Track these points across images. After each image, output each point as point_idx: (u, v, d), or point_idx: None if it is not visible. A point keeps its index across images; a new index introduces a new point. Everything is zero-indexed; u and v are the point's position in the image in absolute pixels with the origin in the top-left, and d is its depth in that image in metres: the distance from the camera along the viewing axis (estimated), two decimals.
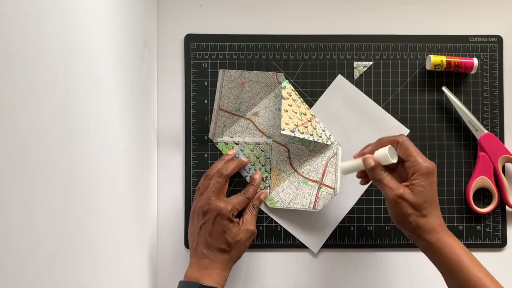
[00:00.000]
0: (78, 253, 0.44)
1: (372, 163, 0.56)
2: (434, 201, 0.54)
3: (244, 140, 0.68)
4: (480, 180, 0.67)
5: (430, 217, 0.53)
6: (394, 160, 0.56)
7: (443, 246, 0.52)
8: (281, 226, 0.68)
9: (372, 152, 0.57)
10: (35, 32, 0.37)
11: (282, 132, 0.63)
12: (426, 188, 0.53)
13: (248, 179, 0.67)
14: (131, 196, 0.58)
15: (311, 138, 0.65)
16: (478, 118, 0.68)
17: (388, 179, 0.55)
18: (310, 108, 0.68)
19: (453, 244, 0.52)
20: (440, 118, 0.68)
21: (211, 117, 0.68)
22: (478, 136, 0.67)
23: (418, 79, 0.69)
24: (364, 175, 0.60)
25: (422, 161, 0.54)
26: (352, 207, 0.68)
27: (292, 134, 0.64)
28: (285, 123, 0.64)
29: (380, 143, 0.58)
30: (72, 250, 0.43)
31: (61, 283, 0.41)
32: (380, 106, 0.68)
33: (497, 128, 0.68)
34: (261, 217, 0.68)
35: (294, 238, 0.68)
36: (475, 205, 0.67)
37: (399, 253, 0.68)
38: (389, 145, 0.56)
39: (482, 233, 0.68)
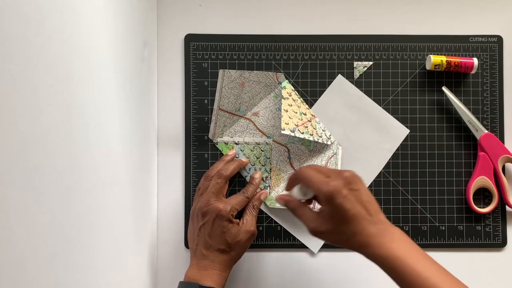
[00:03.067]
0: (78, 253, 0.44)
1: (282, 202, 0.57)
2: (353, 218, 0.49)
3: (244, 140, 0.68)
4: (480, 180, 0.67)
5: (356, 234, 0.50)
6: (310, 196, 0.55)
7: (380, 258, 0.49)
8: (281, 226, 0.68)
9: (289, 191, 0.57)
10: (35, 32, 0.37)
11: (282, 132, 0.63)
12: (334, 212, 0.49)
13: (248, 179, 0.67)
14: (131, 196, 0.58)
15: (311, 138, 0.65)
16: (478, 118, 0.68)
17: (302, 214, 0.54)
18: (310, 108, 0.68)
19: (394, 253, 0.48)
20: (440, 118, 0.68)
21: (211, 117, 0.68)
22: (478, 136, 0.67)
23: (418, 79, 0.69)
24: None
25: (321, 187, 0.50)
26: None
27: (292, 134, 0.64)
28: (285, 123, 0.64)
29: (290, 182, 0.56)
30: (72, 250, 0.43)
31: (61, 283, 0.41)
32: (380, 106, 0.68)
33: (497, 128, 0.68)
34: (261, 217, 0.68)
35: (294, 238, 0.68)
36: (475, 205, 0.67)
37: None
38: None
39: (482, 233, 0.68)
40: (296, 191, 0.56)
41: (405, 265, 0.47)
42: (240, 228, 0.60)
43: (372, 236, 0.49)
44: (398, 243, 0.49)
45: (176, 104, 0.69)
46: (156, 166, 0.68)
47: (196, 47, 0.68)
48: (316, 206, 0.63)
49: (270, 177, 0.68)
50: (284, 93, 0.67)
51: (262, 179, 0.67)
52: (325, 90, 0.68)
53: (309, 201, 0.57)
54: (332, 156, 0.67)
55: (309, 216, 0.53)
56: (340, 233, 0.50)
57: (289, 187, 0.57)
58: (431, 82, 0.69)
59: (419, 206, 0.68)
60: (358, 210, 0.49)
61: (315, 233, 0.52)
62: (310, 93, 0.68)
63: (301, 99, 0.68)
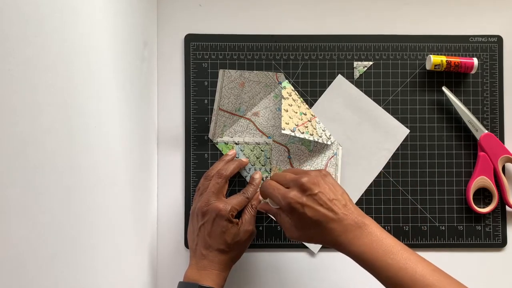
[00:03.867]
0: (78, 253, 0.44)
1: (263, 211, 0.59)
2: (317, 222, 0.50)
3: (244, 140, 0.68)
4: (480, 180, 0.67)
5: (326, 236, 0.50)
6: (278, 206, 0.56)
7: (351, 256, 0.49)
8: (281, 226, 0.68)
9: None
10: (35, 32, 0.37)
11: (283, 131, 0.63)
12: (299, 221, 0.51)
13: (248, 179, 0.67)
14: (131, 196, 0.58)
15: (311, 138, 0.65)
16: (478, 118, 0.68)
17: (279, 221, 0.55)
18: (310, 108, 0.68)
19: (361, 249, 0.48)
20: (440, 118, 0.68)
21: (211, 117, 0.68)
22: (478, 136, 0.67)
23: (418, 79, 0.69)
24: None
25: (281, 202, 0.52)
26: None
27: (293, 134, 0.64)
28: (286, 123, 0.64)
29: (261, 195, 0.58)
30: (72, 250, 0.43)
31: (61, 283, 0.41)
32: (380, 106, 0.68)
33: (497, 128, 0.68)
34: (261, 217, 0.68)
35: None
36: (475, 205, 0.67)
37: None
38: None
39: (482, 233, 0.68)
40: (269, 201, 0.57)
41: (375, 260, 0.48)
42: (240, 228, 0.60)
43: (340, 234, 0.50)
44: (366, 236, 0.49)
45: (176, 104, 0.69)
46: (156, 166, 0.68)
47: (196, 47, 0.68)
48: None
49: (270, 177, 0.68)
50: (284, 93, 0.67)
51: (262, 179, 0.67)
52: (325, 90, 0.68)
53: None
54: (332, 157, 0.67)
55: (284, 222, 0.53)
56: (312, 237, 0.52)
57: (263, 197, 0.59)
58: (431, 82, 0.69)
59: (419, 206, 0.68)
60: (321, 213, 0.50)
61: (291, 238, 0.53)
62: (310, 93, 0.68)
63: (301, 99, 0.68)
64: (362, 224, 0.50)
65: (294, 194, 0.51)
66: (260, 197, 0.61)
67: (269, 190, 0.54)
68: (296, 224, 0.52)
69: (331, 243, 0.51)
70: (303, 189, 0.51)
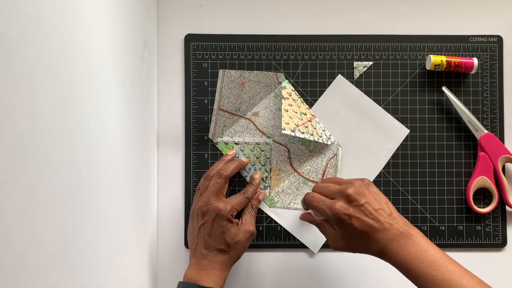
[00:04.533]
0: (78, 253, 0.44)
1: (305, 221, 0.60)
2: (363, 233, 0.51)
3: (244, 140, 0.68)
4: (480, 180, 0.67)
5: (371, 245, 0.51)
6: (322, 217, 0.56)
7: (396, 264, 0.50)
8: (281, 226, 0.68)
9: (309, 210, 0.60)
10: (35, 32, 0.37)
11: (283, 131, 0.63)
12: (346, 232, 0.52)
13: (248, 179, 0.67)
14: (131, 196, 0.58)
15: (311, 138, 0.65)
16: (478, 118, 0.68)
17: (323, 232, 0.56)
18: (310, 108, 0.68)
19: (406, 258, 0.49)
20: (440, 118, 0.68)
21: (211, 117, 0.68)
22: (478, 136, 0.67)
23: (418, 79, 0.69)
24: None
25: (327, 214, 0.52)
26: None
27: (293, 134, 0.64)
28: (286, 123, 0.64)
29: (304, 206, 0.59)
30: (72, 250, 0.43)
31: (61, 283, 0.41)
32: (380, 106, 0.68)
33: (497, 128, 0.68)
34: (261, 217, 0.68)
35: (294, 238, 0.68)
36: (475, 205, 0.67)
37: None
38: None
39: (482, 233, 0.68)
40: (313, 212, 0.58)
41: (419, 269, 0.48)
42: (240, 228, 0.60)
43: (386, 244, 0.50)
44: (412, 246, 0.50)
45: (176, 104, 0.69)
46: (156, 166, 0.68)
47: (196, 47, 0.68)
48: None
49: (270, 177, 0.68)
50: (284, 93, 0.67)
51: (262, 179, 0.67)
52: (325, 90, 0.68)
53: None
54: (332, 157, 0.67)
55: (329, 233, 0.54)
56: (357, 247, 0.52)
57: (306, 209, 0.60)
58: (431, 82, 0.69)
59: (419, 206, 0.68)
60: (368, 224, 0.51)
61: (335, 249, 0.54)
62: (310, 93, 0.68)
63: (301, 99, 0.68)
64: (408, 234, 0.50)
65: (340, 205, 0.51)
66: (301, 205, 0.61)
67: (313, 203, 0.55)
68: (342, 235, 0.52)
69: (377, 252, 0.51)
70: (350, 200, 0.51)
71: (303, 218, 0.61)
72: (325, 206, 0.53)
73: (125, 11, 0.56)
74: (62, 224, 0.41)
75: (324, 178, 0.59)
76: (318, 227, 0.57)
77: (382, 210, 0.52)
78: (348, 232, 0.52)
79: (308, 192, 0.57)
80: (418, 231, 0.51)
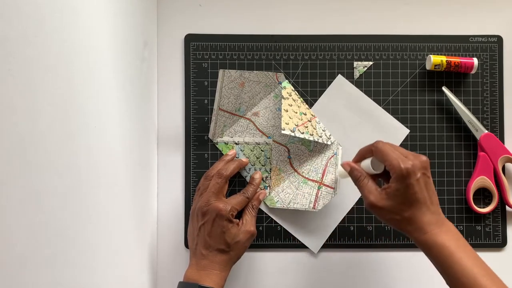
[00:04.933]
0: (78, 253, 0.44)
1: (347, 169, 0.57)
2: (416, 201, 0.51)
3: (244, 140, 0.68)
4: (480, 180, 0.67)
5: (413, 217, 0.51)
6: (379, 170, 0.55)
7: (433, 246, 0.50)
8: (281, 226, 0.68)
9: (356, 162, 0.58)
10: (35, 32, 0.37)
11: (283, 132, 0.63)
12: (402, 191, 0.51)
13: (248, 179, 0.67)
14: (131, 196, 0.58)
15: (311, 138, 0.65)
16: (478, 118, 0.68)
17: (365, 185, 0.55)
18: (310, 108, 0.68)
19: (446, 243, 0.50)
20: (440, 118, 0.68)
21: (211, 117, 0.68)
22: (478, 136, 0.67)
23: (418, 79, 0.69)
24: None
25: (398, 164, 0.51)
26: (352, 207, 0.68)
27: (293, 134, 0.64)
28: (285, 123, 0.64)
29: (360, 154, 0.58)
30: (71, 250, 0.43)
31: (61, 283, 0.41)
32: (380, 106, 0.68)
33: (497, 128, 0.68)
34: (261, 217, 0.68)
35: (294, 238, 0.68)
36: (475, 205, 0.67)
37: (399, 253, 0.68)
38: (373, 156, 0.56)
39: (482, 233, 0.68)
40: (366, 163, 0.56)
41: (453, 257, 0.49)
42: (240, 228, 0.60)
43: (428, 223, 0.51)
44: (451, 235, 0.51)
45: (176, 104, 0.69)
46: (156, 166, 0.68)
47: (196, 47, 0.68)
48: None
49: (270, 177, 0.68)
50: (284, 93, 0.67)
51: (262, 179, 0.67)
52: (325, 90, 0.68)
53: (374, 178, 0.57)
54: (332, 156, 0.67)
55: (371, 188, 0.54)
56: (397, 212, 0.52)
57: (357, 159, 0.58)
58: (431, 82, 0.69)
59: None
60: (424, 196, 0.51)
61: (372, 206, 0.53)
62: (310, 93, 0.68)
63: (301, 99, 0.68)
64: (448, 225, 0.52)
65: (415, 163, 0.51)
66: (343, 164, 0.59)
67: (387, 149, 0.53)
68: (394, 193, 0.51)
69: (412, 227, 0.51)
70: (423, 166, 0.52)
71: (347, 164, 0.58)
72: (397, 157, 0.52)
73: (125, 11, 0.56)
74: (61, 224, 0.41)
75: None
76: (357, 179, 0.56)
77: (435, 195, 0.53)
78: (402, 192, 0.51)
79: (379, 141, 0.55)
80: (456, 229, 0.52)
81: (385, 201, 0.52)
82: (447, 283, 0.51)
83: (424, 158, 0.52)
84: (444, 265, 0.50)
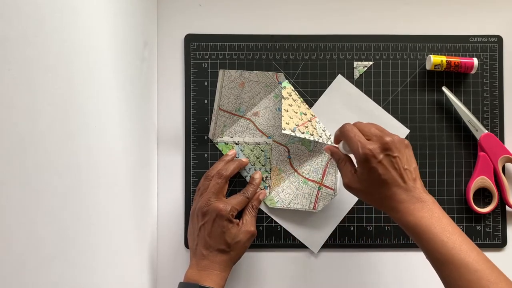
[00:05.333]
0: (78, 253, 0.44)
1: (328, 152, 0.60)
2: (383, 182, 0.51)
3: (244, 140, 0.68)
4: (480, 180, 0.67)
5: (385, 198, 0.51)
6: (351, 153, 0.56)
7: (406, 224, 0.50)
8: (281, 226, 0.68)
9: (336, 144, 0.60)
10: (35, 32, 0.37)
11: (283, 131, 0.63)
12: (366, 174, 0.52)
13: (248, 179, 0.67)
14: (131, 196, 0.58)
15: (311, 138, 0.65)
16: (478, 118, 0.68)
17: (341, 168, 0.57)
18: (310, 108, 0.68)
19: (419, 221, 0.49)
20: (440, 118, 0.68)
21: (211, 117, 0.68)
22: (478, 136, 0.67)
23: (418, 79, 0.69)
24: None
25: (357, 149, 0.52)
26: (352, 207, 0.68)
27: (293, 134, 0.64)
28: (286, 123, 0.64)
29: (336, 137, 0.59)
30: (71, 250, 0.43)
31: (61, 283, 0.41)
32: (380, 106, 0.68)
33: (497, 128, 0.68)
34: (261, 217, 0.68)
35: (294, 238, 0.68)
36: (475, 205, 0.67)
37: (399, 253, 0.68)
38: None
39: (482, 233, 0.68)
40: (341, 145, 0.58)
41: (429, 233, 0.48)
42: (240, 228, 0.60)
43: (401, 202, 0.51)
44: (426, 212, 0.50)
45: (176, 104, 0.69)
46: (156, 166, 0.68)
47: (196, 47, 0.68)
48: None
49: (270, 177, 0.68)
50: (284, 93, 0.67)
51: (262, 179, 0.67)
52: (325, 90, 0.68)
53: None
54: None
55: (346, 171, 0.55)
56: (371, 193, 0.53)
57: (335, 141, 0.60)
58: (431, 82, 0.69)
59: None
60: (391, 176, 0.51)
61: (347, 187, 0.55)
62: (310, 93, 0.68)
63: (301, 99, 0.68)
64: (425, 200, 0.51)
65: (374, 147, 0.52)
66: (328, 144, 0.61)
67: (349, 133, 0.54)
68: (361, 176, 0.53)
69: (388, 207, 0.52)
70: (385, 148, 0.52)
71: (328, 148, 0.60)
72: (359, 142, 0.52)
73: (125, 11, 0.56)
74: (62, 224, 0.41)
75: (366, 123, 0.58)
76: (337, 162, 0.58)
77: (409, 171, 0.52)
78: (368, 176, 0.52)
79: (348, 123, 0.56)
80: (435, 202, 0.51)
81: (357, 184, 0.54)
82: (427, 258, 0.50)
83: (387, 138, 0.52)
84: (419, 242, 0.49)
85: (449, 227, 0.49)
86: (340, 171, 0.57)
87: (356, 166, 0.54)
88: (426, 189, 0.67)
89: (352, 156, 0.57)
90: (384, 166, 0.51)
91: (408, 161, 0.52)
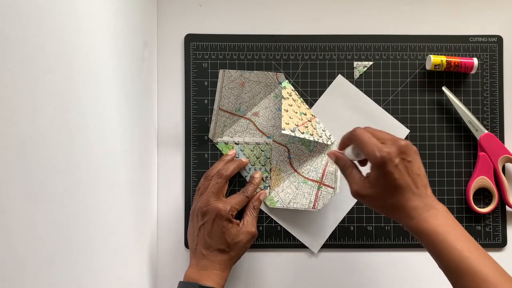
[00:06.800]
0: (78, 253, 0.44)
1: (333, 158, 0.56)
2: (398, 187, 0.49)
3: (244, 140, 0.68)
4: (480, 180, 0.67)
5: (398, 204, 0.50)
6: (360, 158, 0.54)
7: (420, 231, 0.49)
8: (281, 226, 0.68)
9: (342, 150, 0.57)
10: (35, 32, 0.37)
11: (283, 132, 0.63)
12: (381, 179, 0.49)
13: (248, 179, 0.67)
14: (131, 196, 0.58)
15: (311, 138, 0.65)
16: (478, 118, 0.68)
17: (349, 175, 0.53)
18: (310, 108, 0.68)
19: (433, 228, 0.48)
20: (440, 118, 0.68)
21: (211, 117, 0.68)
22: (478, 136, 0.67)
23: (418, 79, 0.69)
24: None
25: (374, 152, 0.49)
26: (352, 207, 0.68)
27: (293, 134, 0.64)
28: (286, 123, 0.64)
29: (343, 142, 0.56)
30: (72, 250, 0.43)
31: (61, 283, 0.41)
32: (380, 106, 0.68)
33: (497, 128, 0.68)
34: (261, 217, 0.68)
35: (294, 238, 0.68)
36: (475, 205, 0.67)
37: (399, 253, 0.68)
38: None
39: (482, 233, 0.68)
40: (348, 151, 0.55)
41: (445, 242, 0.47)
42: (241, 229, 0.60)
43: (415, 209, 0.49)
44: (441, 219, 0.49)
45: (176, 104, 0.69)
46: (156, 166, 0.68)
47: (196, 47, 0.68)
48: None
49: (270, 177, 0.68)
50: (284, 93, 0.67)
51: (262, 179, 0.67)
52: (325, 90, 0.68)
53: (361, 163, 0.56)
54: None
55: (355, 177, 0.52)
56: (382, 200, 0.50)
57: (341, 147, 0.57)
58: (431, 82, 0.69)
59: None
60: (406, 181, 0.49)
61: (357, 195, 0.52)
62: (310, 93, 0.68)
63: (301, 99, 0.68)
64: (438, 207, 0.50)
65: (390, 150, 0.49)
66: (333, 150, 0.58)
67: (364, 137, 0.51)
68: (375, 181, 0.50)
69: (402, 215, 0.50)
70: (401, 151, 0.49)
71: (332, 153, 0.57)
72: (372, 145, 0.50)
73: (125, 11, 0.56)
74: (61, 224, 0.41)
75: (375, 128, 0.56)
76: (342, 169, 0.55)
77: (421, 178, 0.50)
78: (383, 180, 0.49)
79: (358, 127, 0.54)
80: (448, 210, 0.50)
81: (368, 190, 0.51)
82: (440, 267, 0.49)
83: (402, 142, 0.50)
84: (434, 250, 0.48)
85: (462, 235, 0.48)
86: (346, 178, 0.54)
87: (369, 171, 0.51)
88: None
89: (357, 162, 0.55)
90: (400, 170, 0.49)
91: (420, 168, 0.51)
